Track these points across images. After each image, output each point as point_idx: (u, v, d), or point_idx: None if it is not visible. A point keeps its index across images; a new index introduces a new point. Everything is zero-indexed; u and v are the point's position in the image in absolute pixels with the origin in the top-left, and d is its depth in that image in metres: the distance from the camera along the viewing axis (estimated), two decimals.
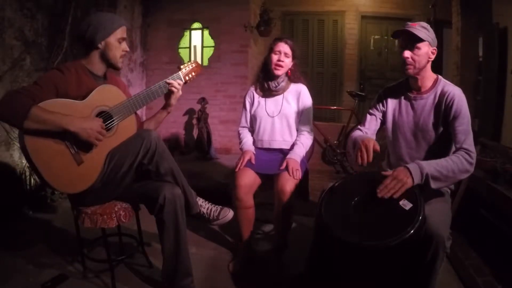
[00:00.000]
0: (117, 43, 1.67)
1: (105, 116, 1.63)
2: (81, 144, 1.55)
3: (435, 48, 1.59)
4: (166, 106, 1.86)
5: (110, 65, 1.71)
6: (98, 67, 1.70)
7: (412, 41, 1.56)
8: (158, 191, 1.62)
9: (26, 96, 1.44)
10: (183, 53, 4.88)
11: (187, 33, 4.85)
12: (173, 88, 1.79)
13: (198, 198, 1.81)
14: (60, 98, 1.54)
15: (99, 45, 1.65)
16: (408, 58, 1.57)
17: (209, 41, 4.78)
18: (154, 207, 1.64)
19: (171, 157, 1.69)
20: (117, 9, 4.16)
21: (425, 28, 1.57)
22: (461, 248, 2.23)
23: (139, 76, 4.81)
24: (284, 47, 2.14)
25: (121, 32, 1.68)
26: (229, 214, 1.81)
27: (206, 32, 4.79)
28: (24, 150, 1.46)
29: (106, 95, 1.66)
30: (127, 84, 4.51)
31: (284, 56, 2.13)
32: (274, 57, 2.14)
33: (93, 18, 1.65)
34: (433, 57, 1.60)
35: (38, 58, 3.03)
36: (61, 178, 1.52)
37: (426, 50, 1.57)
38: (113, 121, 1.65)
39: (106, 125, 1.61)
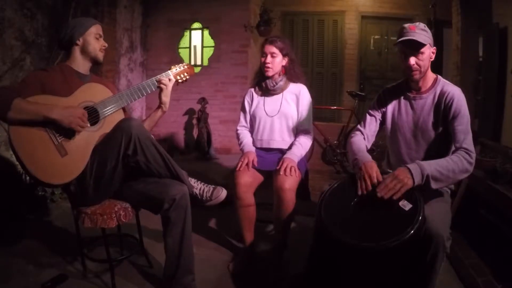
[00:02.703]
0: (94, 39, 1.75)
1: (90, 110, 1.65)
2: (64, 134, 1.57)
3: (434, 47, 1.60)
4: (159, 105, 1.87)
5: (92, 60, 1.77)
6: (82, 64, 1.76)
7: (416, 47, 1.54)
8: (166, 192, 1.62)
9: (11, 91, 1.51)
10: (183, 53, 4.88)
11: (187, 33, 4.85)
12: (161, 85, 1.82)
13: (190, 178, 1.80)
14: (46, 95, 1.58)
15: (78, 42, 1.73)
16: (414, 64, 1.56)
17: (209, 41, 4.79)
18: (160, 208, 1.63)
19: (155, 141, 1.68)
20: (117, 9, 4.15)
21: (423, 30, 1.56)
22: (461, 248, 2.23)
23: (139, 76, 4.81)
24: (269, 48, 2.13)
25: (95, 29, 1.76)
26: (221, 194, 1.77)
27: (206, 32, 4.79)
28: (10, 143, 1.51)
29: (91, 92, 1.70)
30: (127, 84, 4.51)
31: (270, 57, 2.13)
32: (262, 60, 2.16)
33: (69, 23, 1.76)
34: (433, 57, 1.60)
35: (38, 58, 3.03)
36: (43, 169, 1.53)
37: (428, 53, 1.58)
38: (98, 115, 1.66)
39: (91, 118, 1.63)
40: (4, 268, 1.97)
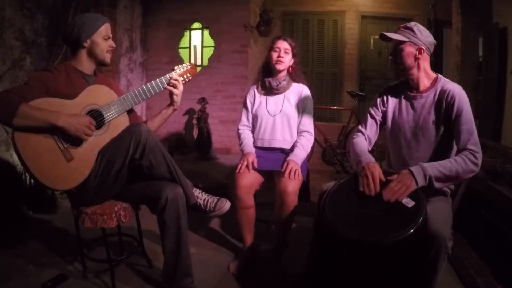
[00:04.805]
0: (102, 40, 1.70)
1: (95, 114, 1.63)
2: (70, 141, 1.56)
3: (423, 47, 1.59)
4: (170, 103, 1.87)
5: (99, 62, 1.74)
6: (87, 66, 1.73)
7: (394, 43, 1.63)
8: (160, 191, 1.62)
9: (16, 95, 1.48)
10: (183, 53, 4.88)
11: (187, 33, 4.85)
12: (173, 82, 1.79)
13: (195, 189, 1.81)
14: (50, 97, 1.56)
15: (85, 44, 1.68)
16: (391, 59, 1.66)
17: (209, 41, 4.79)
18: (156, 207, 1.64)
19: (163, 148, 1.68)
20: (117, 9, 4.15)
21: (409, 28, 1.60)
22: (461, 248, 2.23)
23: (139, 76, 4.81)
24: (283, 44, 2.17)
25: (105, 30, 1.71)
26: (225, 205, 1.78)
27: (206, 32, 4.79)
28: (14, 147, 1.49)
29: (96, 94, 1.67)
30: (127, 84, 4.51)
31: (283, 53, 2.16)
32: (274, 54, 2.18)
33: (77, 19, 1.69)
34: (421, 56, 1.59)
35: (38, 58, 3.03)
36: (49, 174, 1.53)
37: (409, 50, 1.59)
38: (103, 118, 1.65)
39: (96, 122, 1.61)
40: (4, 268, 1.97)
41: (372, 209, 1.43)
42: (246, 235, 2.12)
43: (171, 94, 1.82)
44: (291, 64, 2.23)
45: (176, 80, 1.80)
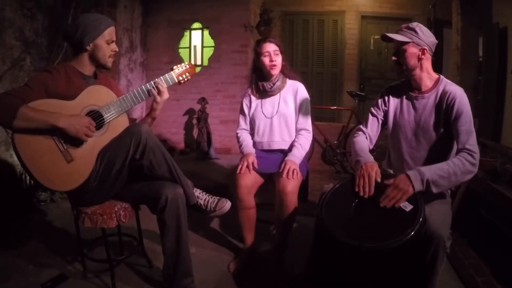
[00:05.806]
0: (105, 44, 1.68)
1: (94, 114, 1.63)
2: (70, 141, 1.56)
3: (426, 48, 1.58)
4: (150, 111, 1.80)
5: (100, 66, 1.73)
6: (88, 68, 1.72)
7: (397, 44, 1.61)
8: (160, 191, 1.62)
9: (15, 97, 1.48)
10: (183, 53, 4.88)
11: (187, 33, 4.86)
12: (159, 89, 1.73)
13: (195, 189, 1.81)
14: (50, 99, 1.56)
15: (88, 47, 1.66)
16: (394, 60, 1.63)
17: (209, 41, 4.79)
18: (156, 207, 1.64)
19: (163, 148, 1.68)
20: (117, 9, 4.15)
21: (411, 29, 1.59)
22: (461, 248, 2.23)
23: (139, 76, 4.81)
24: (271, 47, 2.14)
25: (109, 34, 1.69)
26: (226, 205, 1.78)
27: (206, 32, 4.80)
28: (14, 149, 1.49)
29: (95, 95, 1.67)
30: (127, 84, 4.51)
31: (274, 55, 2.13)
32: (266, 60, 2.14)
33: (80, 20, 1.66)
34: (424, 56, 1.59)
35: (38, 58, 3.03)
36: (49, 175, 1.53)
37: (412, 51, 1.58)
38: (103, 119, 1.65)
39: (96, 123, 1.61)
40: (4, 268, 1.97)
41: (370, 213, 1.41)
42: (246, 235, 2.12)
43: (154, 99, 1.75)
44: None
45: (164, 86, 1.74)
